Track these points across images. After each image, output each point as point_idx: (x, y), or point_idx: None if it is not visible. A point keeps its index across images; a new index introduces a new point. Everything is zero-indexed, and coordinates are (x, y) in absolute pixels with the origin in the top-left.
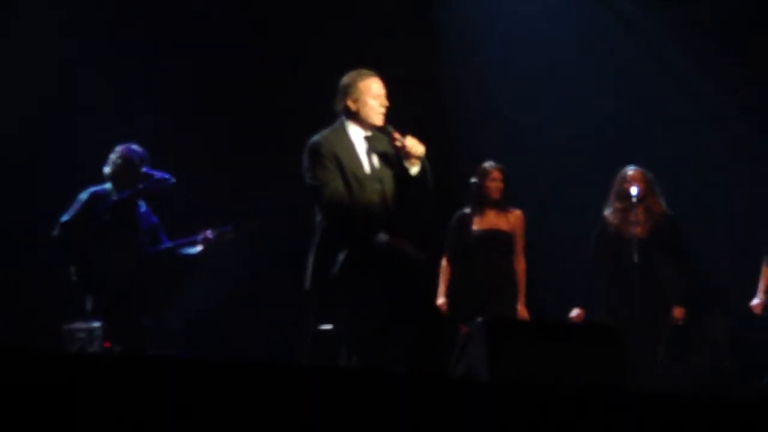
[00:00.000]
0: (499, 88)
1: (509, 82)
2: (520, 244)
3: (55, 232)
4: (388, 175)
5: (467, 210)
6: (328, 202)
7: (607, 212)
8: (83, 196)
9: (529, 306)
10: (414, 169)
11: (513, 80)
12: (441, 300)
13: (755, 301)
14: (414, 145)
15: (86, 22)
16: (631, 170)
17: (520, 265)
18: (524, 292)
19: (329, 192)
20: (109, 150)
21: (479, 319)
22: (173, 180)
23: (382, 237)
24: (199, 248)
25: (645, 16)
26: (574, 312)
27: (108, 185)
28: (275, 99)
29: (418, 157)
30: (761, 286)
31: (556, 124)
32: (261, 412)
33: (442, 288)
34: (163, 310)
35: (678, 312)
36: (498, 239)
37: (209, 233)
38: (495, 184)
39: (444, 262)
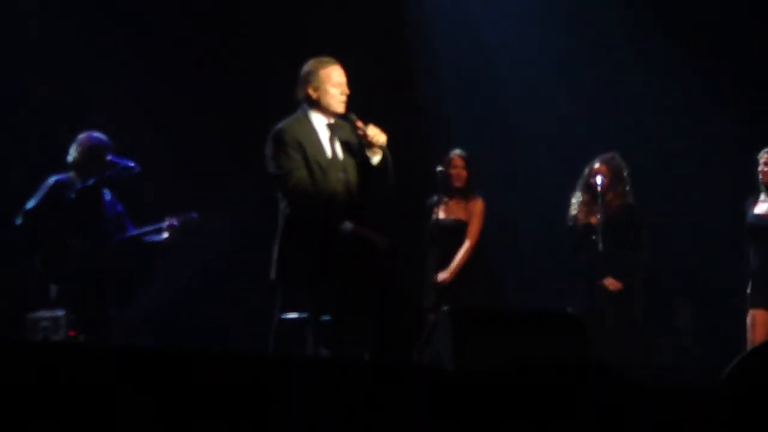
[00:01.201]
0: (469, 77)
1: (480, 69)
2: (473, 228)
3: (19, 221)
4: (351, 163)
5: (435, 198)
6: (292, 190)
7: (573, 204)
8: (46, 184)
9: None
10: (375, 158)
11: (484, 68)
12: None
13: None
14: (376, 134)
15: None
16: (596, 163)
17: (467, 244)
18: (458, 266)
19: (293, 180)
20: (73, 139)
21: (444, 308)
22: (138, 168)
23: (347, 225)
24: (164, 235)
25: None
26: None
27: (71, 173)
28: (240, 86)
29: (379, 146)
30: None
31: (527, 113)
32: (226, 401)
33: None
34: (128, 299)
35: (610, 282)
36: (455, 228)
37: (174, 220)
38: (456, 171)
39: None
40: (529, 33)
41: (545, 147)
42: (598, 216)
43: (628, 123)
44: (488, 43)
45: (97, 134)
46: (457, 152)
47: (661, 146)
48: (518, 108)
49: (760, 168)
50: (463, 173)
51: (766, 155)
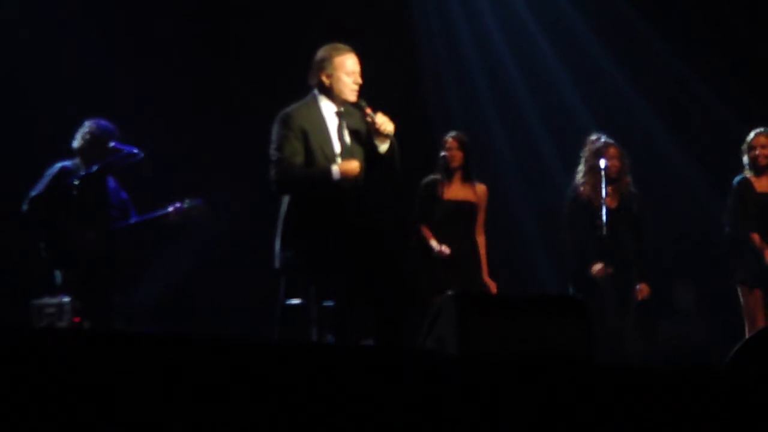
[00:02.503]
0: (474, 65)
1: (484, 57)
2: (482, 218)
3: (24, 207)
4: (358, 151)
5: (436, 177)
6: (279, 176)
7: (579, 183)
8: (51, 171)
9: (494, 280)
10: (383, 147)
11: (488, 54)
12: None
13: None
14: (384, 123)
15: None
16: (606, 145)
17: (481, 238)
18: (487, 264)
19: (282, 167)
20: (78, 126)
21: (449, 292)
22: (142, 154)
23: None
24: (169, 221)
25: None
26: (597, 266)
27: (76, 160)
28: (245, 70)
29: (387, 135)
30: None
31: (528, 102)
32: (230, 388)
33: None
34: (132, 286)
35: (643, 288)
36: (466, 210)
37: (178, 206)
38: (450, 153)
39: (424, 229)
40: (532, 21)
41: (547, 134)
42: (602, 199)
43: (625, 107)
44: (491, 30)
45: (102, 121)
46: (451, 134)
47: (660, 128)
48: (521, 96)
49: (757, 152)
50: (458, 154)
51: (764, 138)
